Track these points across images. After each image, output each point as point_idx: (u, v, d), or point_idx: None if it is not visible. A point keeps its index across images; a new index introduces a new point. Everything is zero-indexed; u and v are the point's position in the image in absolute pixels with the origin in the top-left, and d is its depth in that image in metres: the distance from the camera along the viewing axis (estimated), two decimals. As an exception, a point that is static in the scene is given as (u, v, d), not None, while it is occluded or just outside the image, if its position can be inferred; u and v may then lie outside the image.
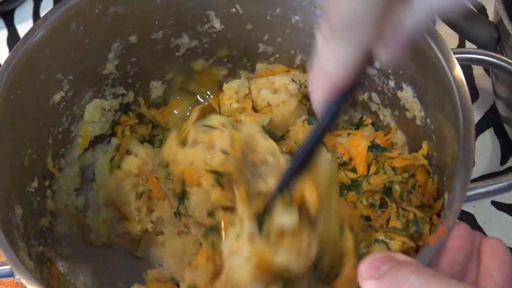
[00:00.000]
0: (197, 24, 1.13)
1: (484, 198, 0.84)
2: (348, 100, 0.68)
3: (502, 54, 1.01)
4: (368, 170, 1.02)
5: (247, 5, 1.09)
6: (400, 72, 1.00)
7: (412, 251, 0.94)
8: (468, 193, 0.79)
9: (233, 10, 1.10)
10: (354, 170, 1.03)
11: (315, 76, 0.65)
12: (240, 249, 0.83)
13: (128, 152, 1.15)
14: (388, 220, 0.97)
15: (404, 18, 0.60)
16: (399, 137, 1.09)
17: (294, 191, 0.81)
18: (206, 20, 1.13)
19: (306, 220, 0.82)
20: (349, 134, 1.09)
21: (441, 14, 0.60)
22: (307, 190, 0.81)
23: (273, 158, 0.96)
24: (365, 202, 0.98)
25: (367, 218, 0.98)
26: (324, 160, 0.84)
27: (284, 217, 0.80)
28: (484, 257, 0.72)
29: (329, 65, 0.63)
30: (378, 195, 0.97)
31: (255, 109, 1.14)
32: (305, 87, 1.09)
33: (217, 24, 1.13)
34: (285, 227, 0.80)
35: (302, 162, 0.76)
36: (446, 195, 0.88)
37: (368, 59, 0.63)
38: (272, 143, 0.98)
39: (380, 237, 0.94)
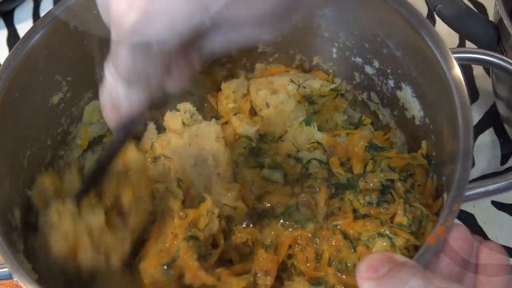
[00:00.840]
0: (196, 24, 1.13)
1: (484, 197, 0.84)
2: (137, 122, 0.76)
3: (502, 54, 1.00)
4: (365, 170, 1.02)
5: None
6: (399, 71, 1.00)
7: (414, 250, 0.93)
8: (467, 193, 0.79)
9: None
10: (350, 169, 1.03)
11: (106, 103, 0.72)
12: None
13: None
14: (392, 217, 0.96)
15: (192, 56, 0.69)
16: (398, 136, 1.08)
17: (104, 191, 0.90)
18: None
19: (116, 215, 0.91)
20: (348, 134, 1.09)
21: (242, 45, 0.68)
22: (124, 193, 0.91)
23: (213, 161, 0.99)
24: (362, 201, 0.97)
25: (365, 216, 0.98)
26: (134, 160, 0.93)
27: (91, 217, 0.88)
28: (482, 260, 0.72)
29: (118, 99, 0.69)
30: (375, 193, 0.97)
31: (254, 109, 1.14)
32: (304, 87, 1.09)
33: (216, 24, 1.13)
34: (93, 226, 0.88)
35: (100, 167, 0.88)
36: (445, 195, 0.88)
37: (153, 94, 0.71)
38: (221, 147, 1.02)
39: (385, 232, 0.93)
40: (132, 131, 0.79)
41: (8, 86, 0.94)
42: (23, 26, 1.50)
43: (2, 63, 0.96)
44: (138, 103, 0.69)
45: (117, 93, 0.68)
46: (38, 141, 1.03)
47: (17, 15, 1.53)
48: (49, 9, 1.01)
